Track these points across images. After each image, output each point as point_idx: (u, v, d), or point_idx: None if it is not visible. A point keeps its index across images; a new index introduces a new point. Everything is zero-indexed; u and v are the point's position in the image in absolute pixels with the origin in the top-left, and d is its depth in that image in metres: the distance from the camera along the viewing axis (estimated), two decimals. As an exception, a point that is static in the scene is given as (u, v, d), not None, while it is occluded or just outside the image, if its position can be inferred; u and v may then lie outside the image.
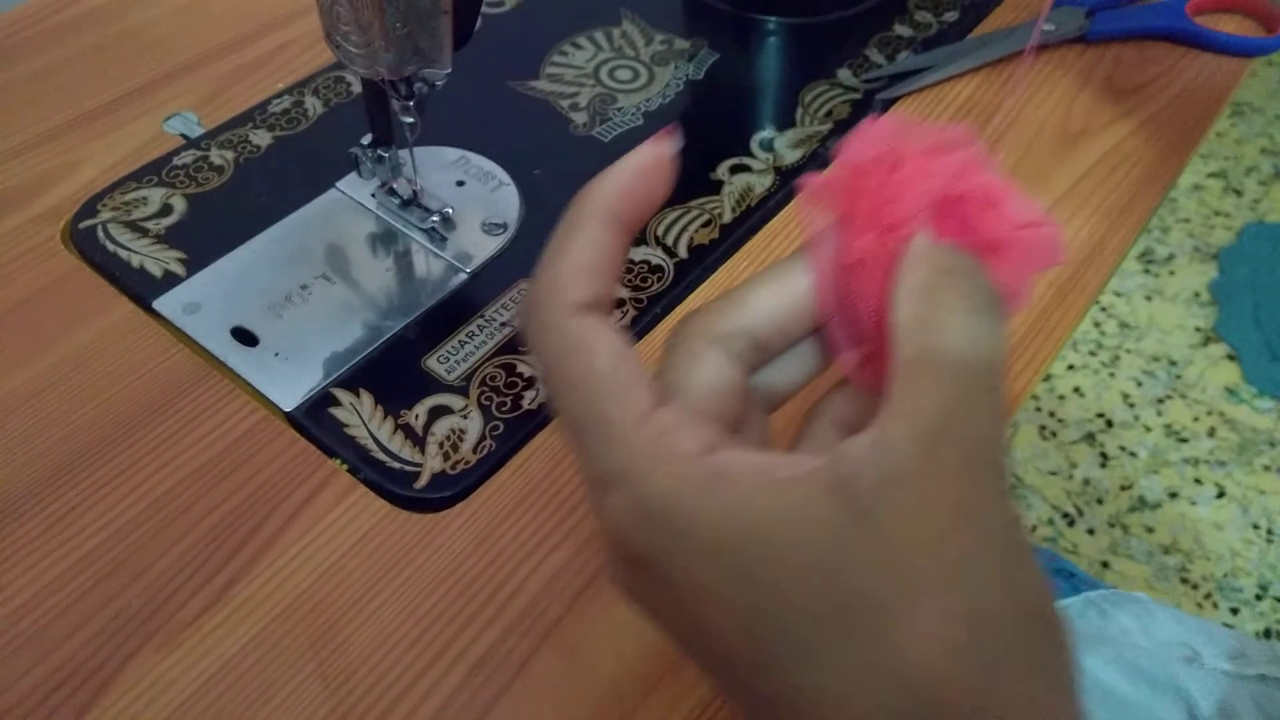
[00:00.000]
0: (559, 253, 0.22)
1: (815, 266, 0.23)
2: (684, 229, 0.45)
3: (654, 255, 0.44)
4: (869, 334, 0.23)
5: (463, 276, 0.43)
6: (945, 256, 0.22)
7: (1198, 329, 1.26)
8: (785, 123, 0.50)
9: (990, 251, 0.22)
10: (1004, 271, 0.22)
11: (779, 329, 0.23)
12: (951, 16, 0.56)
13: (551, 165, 0.47)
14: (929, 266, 0.22)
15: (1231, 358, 1.24)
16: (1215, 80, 0.53)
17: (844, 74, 0.52)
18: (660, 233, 0.45)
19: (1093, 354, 1.26)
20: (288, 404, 0.38)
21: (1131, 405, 1.21)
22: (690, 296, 0.43)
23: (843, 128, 0.50)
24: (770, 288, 0.23)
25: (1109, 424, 1.19)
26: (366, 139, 0.43)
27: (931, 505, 0.19)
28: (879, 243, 0.22)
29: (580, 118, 0.50)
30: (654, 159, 0.23)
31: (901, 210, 0.22)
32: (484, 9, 0.55)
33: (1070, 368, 1.25)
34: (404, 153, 0.43)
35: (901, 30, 0.55)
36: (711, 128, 0.49)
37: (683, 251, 0.44)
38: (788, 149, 0.48)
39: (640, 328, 0.41)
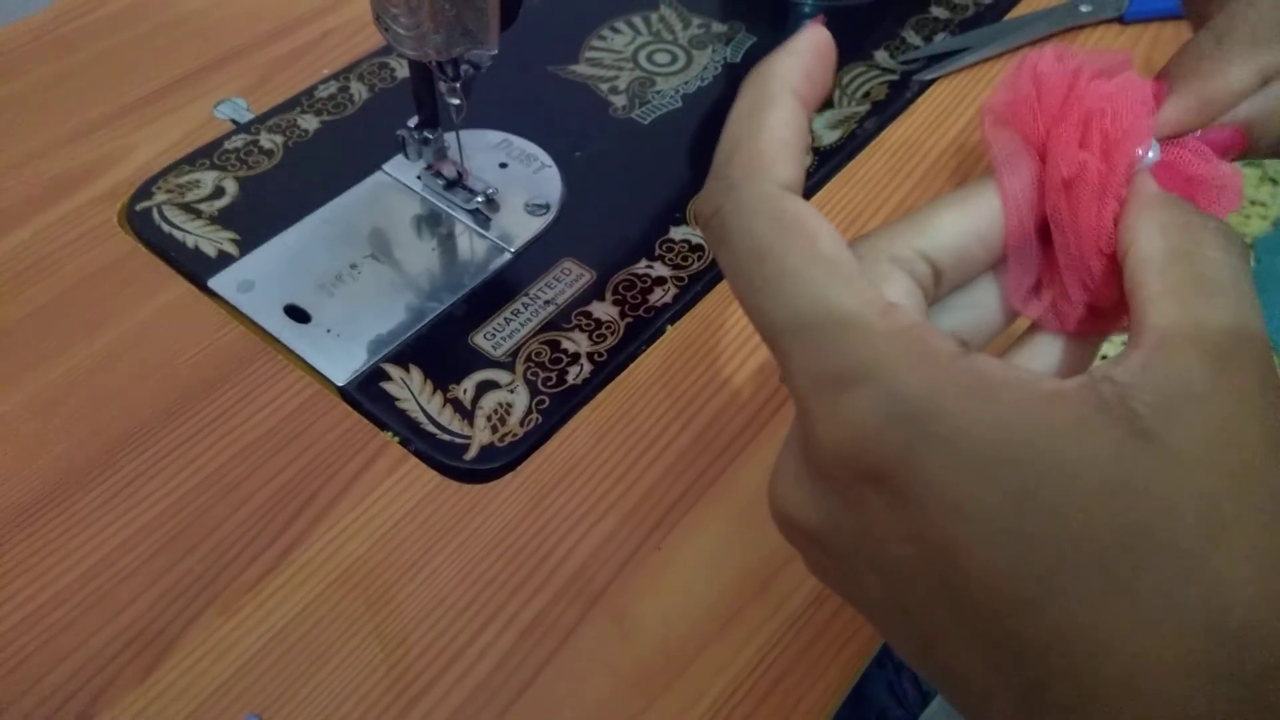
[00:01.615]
0: (756, 128, 0.20)
1: (1006, 189, 0.22)
2: (724, 209, 0.45)
3: (695, 234, 0.44)
4: (1077, 258, 0.21)
5: (507, 256, 0.44)
6: (1180, 201, 0.20)
7: (1233, 317, 1.25)
8: (823, 104, 0.50)
9: (1186, 188, 0.21)
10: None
11: (961, 255, 0.21)
12: (988, -2, 0.56)
13: (592, 147, 0.48)
14: (1172, 205, 0.20)
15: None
16: (1255, 59, 0.53)
17: (881, 56, 0.53)
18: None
19: (1126, 342, 1.25)
20: (340, 378, 0.39)
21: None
22: (730, 275, 0.43)
23: (880, 109, 0.50)
24: (955, 210, 0.21)
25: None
26: (413, 121, 0.44)
27: (1236, 430, 0.17)
28: (1102, 159, 0.21)
29: (620, 101, 0.50)
30: (823, 40, 0.21)
31: (1121, 124, 0.21)
32: (524, -5, 0.56)
33: (1103, 358, 1.24)
34: (449, 135, 0.44)
35: (938, 12, 0.55)
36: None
37: (723, 231, 0.45)
38: (825, 130, 0.49)
39: (681, 306, 0.42)
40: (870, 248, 0.21)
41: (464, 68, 0.40)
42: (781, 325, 0.19)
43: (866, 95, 0.51)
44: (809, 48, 0.21)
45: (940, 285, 0.22)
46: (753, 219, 0.20)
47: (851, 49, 0.53)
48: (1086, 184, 0.21)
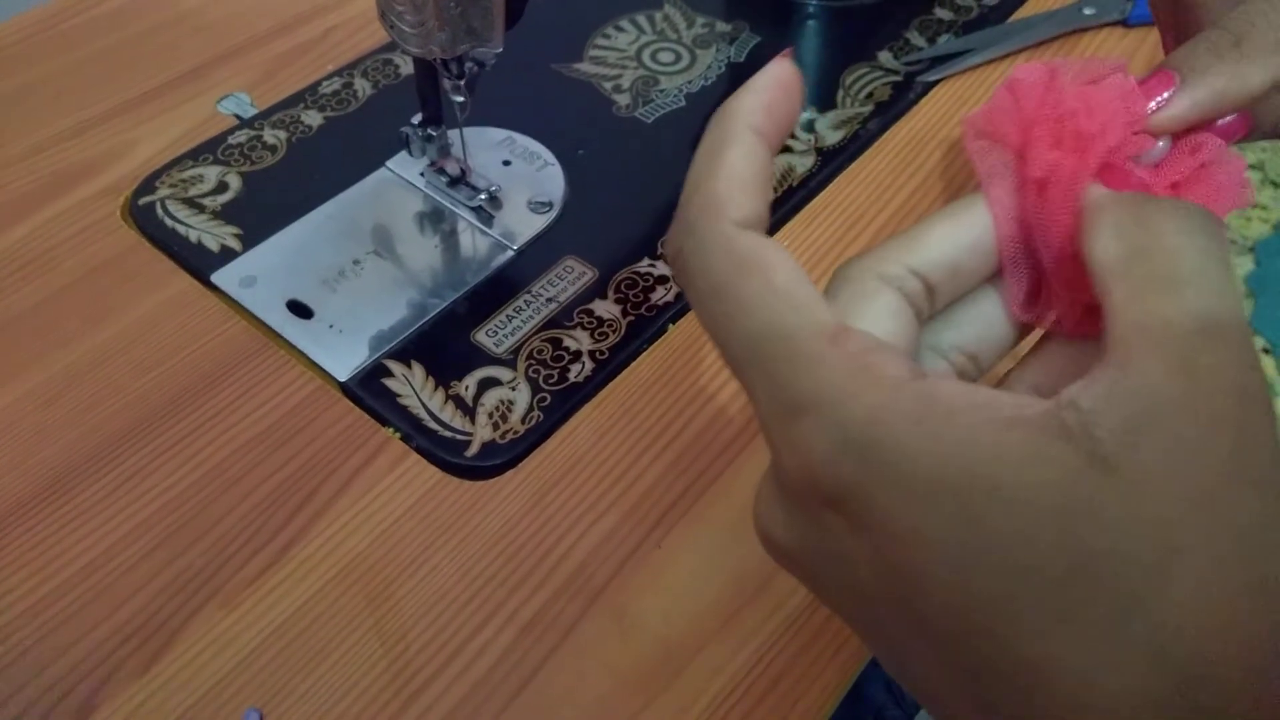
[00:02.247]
0: (714, 167, 0.20)
1: (994, 199, 0.22)
2: (726, 208, 0.45)
3: (696, 234, 0.44)
4: (1058, 258, 0.21)
5: (509, 254, 0.44)
6: (1131, 195, 0.20)
7: (1233, 321, 1.25)
8: (827, 104, 0.50)
9: (1171, 192, 0.21)
10: None
11: (954, 269, 0.21)
12: (992, 0, 0.56)
13: (595, 146, 0.48)
14: (1123, 201, 0.19)
15: (1267, 351, 1.23)
16: (1258, 64, 0.53)
17: (885, 56, 0.53)
18: (703, 212, 0.45)
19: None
20: (342, 374, 0.39)
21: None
22: (732, 274, 0.43)
23: (883, 109, 0.50)
24: (945, 224, 0.21)
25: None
26: (416, 118, 0.44)
27: (1200, 451, 0.16)
28: (1074, 158, 0.21)
29: (623, 99, 0.50)
30: (788, 74, 0.21)
31: (1095, 120, 0.21)
32: (528, -7, 0.56)
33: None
34: (453, 132, 0.44)
35: (942, 13, 0.55)
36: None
37: (725, 230, 0.45)
38: (829, 130, 0.49)
39: (684, 303, 0.42)
40: (858, 268, 0.21)
41: (468, 65, 0.41)
42: (741, 357, 0.20)
43: (870, 96, 0.51)
44: (771, 84, 0.21)
45: (934, 300, 0.22)
46: (709, 257, 0.20)
47: (855, 50, 0.53)
48: (1059, 182, 0.21)
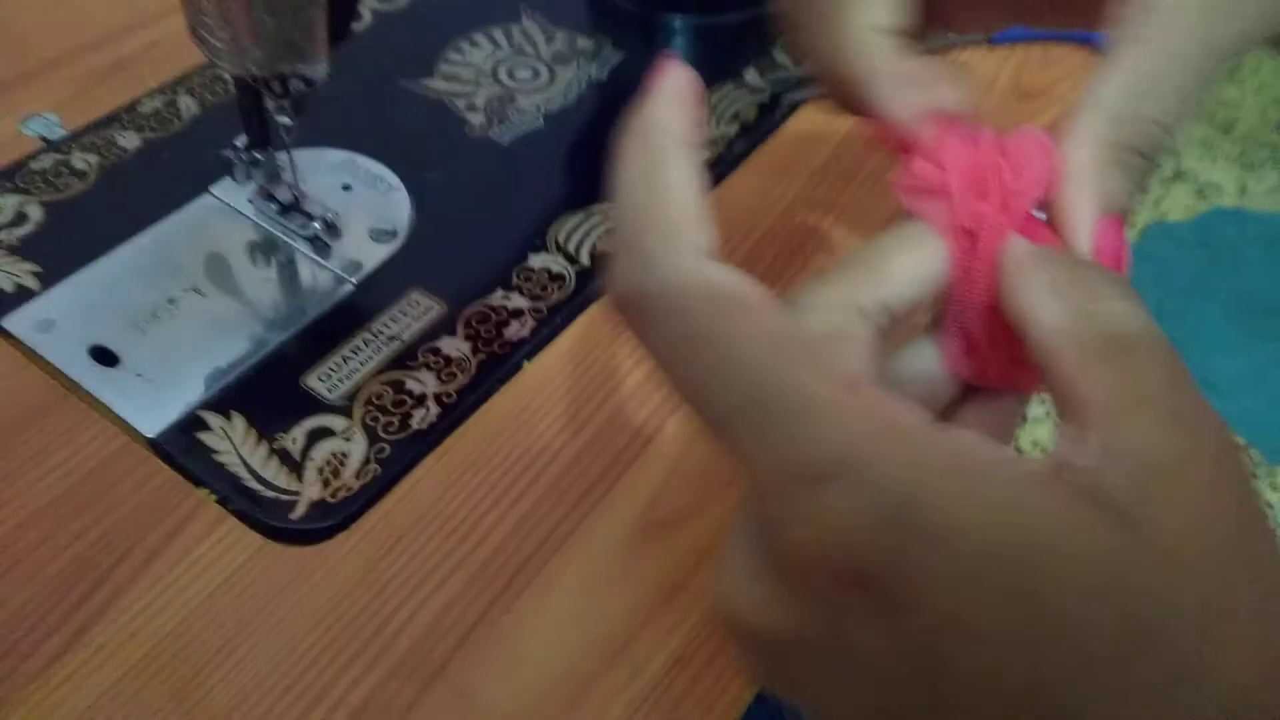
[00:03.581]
0: (660, 192, 0.18)
1: (951, 255, 0.21)
2: (586, 235, 0.43)
3: (555, 262, 0.42)
4: (984, 312, 0.20)
5: (349, 287, 0.40)
6: (1058, 252, 0.19)
7: (1105, 328, 1.29)
8: (690, 124, 0.48)
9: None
10: None
11: (914, 305, 0.20)
12: (858, 17, 0.55)
13: (446, 168, 0.45)
14: (1053, 259, 0.19)
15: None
16: (1118, 82, 0.53)
17: (751, 75, 0.51)
18: (562, 239, 0.42)
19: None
20: (151, 430, 0.35)
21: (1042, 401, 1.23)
22: (593, 305, 0.41)
23: (749, 131, 0.48)
24: (905, 257, 0.20)
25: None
26: (240, 141, 0.40)
27: (1213, 502, 0.16)
28: (1000, 210, 0.20)
29: (477, 118, 0.47)
30: (690, 78, 0.20)
31: (1022, 176, 0.21)
32: (375, 3, 0.52)
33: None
34: (283, 155, 0.40)
35: (808, 30, 0.54)
36: (615, 130, 0.48)
37: (584, 259, 0.42)
38: (693, 151, 0.47)
39: (540, 339, 0.39)
40: (834, 298, 0.19)
41: (294, 83, 0.37)
42: (732, 414, 0.17)
43: (735, 116, 0.49)
44: (683, 90, 0.20)
45: (889, 338, 0.20)
46: (683, 298, 0.17)
47: (721, 68, 0.51)
48: (986, 234, 0.20)
